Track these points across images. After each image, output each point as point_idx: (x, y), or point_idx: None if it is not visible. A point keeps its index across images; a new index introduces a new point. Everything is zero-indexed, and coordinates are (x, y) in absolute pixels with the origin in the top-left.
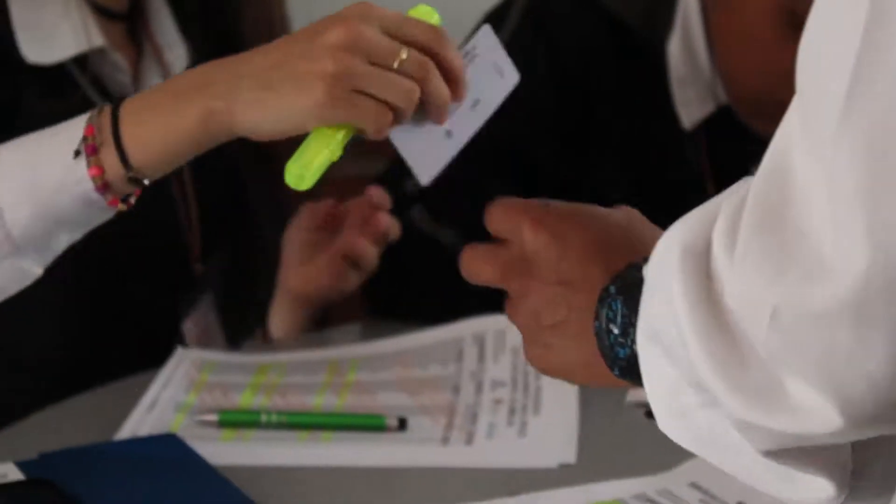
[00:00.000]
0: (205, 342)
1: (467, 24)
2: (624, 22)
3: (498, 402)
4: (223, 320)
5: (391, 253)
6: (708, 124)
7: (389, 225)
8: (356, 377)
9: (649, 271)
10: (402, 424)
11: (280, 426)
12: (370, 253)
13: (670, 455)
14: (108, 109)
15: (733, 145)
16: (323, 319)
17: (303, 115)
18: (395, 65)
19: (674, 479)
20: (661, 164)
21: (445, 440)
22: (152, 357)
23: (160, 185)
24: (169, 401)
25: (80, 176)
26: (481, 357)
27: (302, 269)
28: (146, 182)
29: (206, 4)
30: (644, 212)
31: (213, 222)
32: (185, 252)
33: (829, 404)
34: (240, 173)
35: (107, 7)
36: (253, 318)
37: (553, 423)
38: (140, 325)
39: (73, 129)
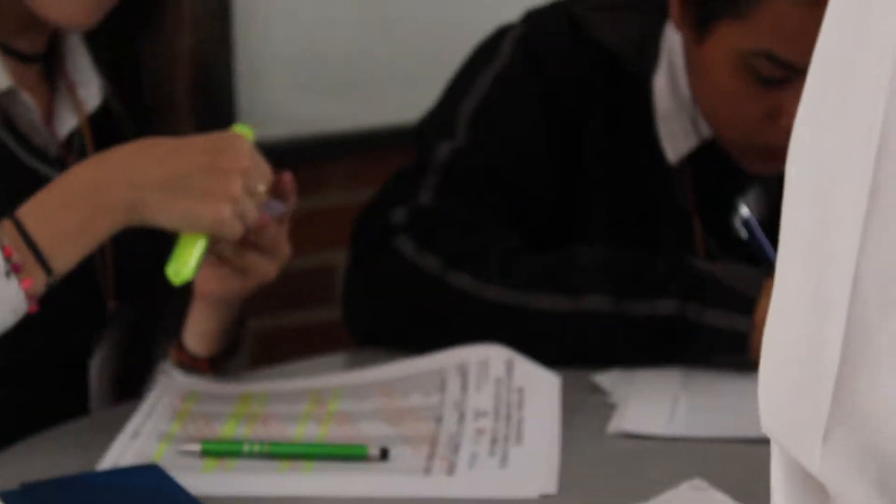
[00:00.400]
0: (106, 380)
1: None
2: (616, 55)
3: (480, 432)
4: (130, 358)
5: (374, 281)
6: (692, 158)
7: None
8: (338, 407)
9: None
10: (384, 454)
11: (262, 456)
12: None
13: (651, 485)
14: (9, 225)
15: (718, 179)
16: (241, 321)
17: (203, 224)
18: (261, 188)
19: None
20: (648, 198)
21: (427, 470)
22: (62, 393)
23: None
24: (152, 430)
25: (11, 293)
26: (464, 387)
27: (203, 269)
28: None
29: (119, 39)
30: (630, 245)
31: (128, 260)
32: (99, 290)
33: None
34: None
35: (21, 51)
36: (163, 353)
37: (534, 453)
38: (50, 362)
39: None
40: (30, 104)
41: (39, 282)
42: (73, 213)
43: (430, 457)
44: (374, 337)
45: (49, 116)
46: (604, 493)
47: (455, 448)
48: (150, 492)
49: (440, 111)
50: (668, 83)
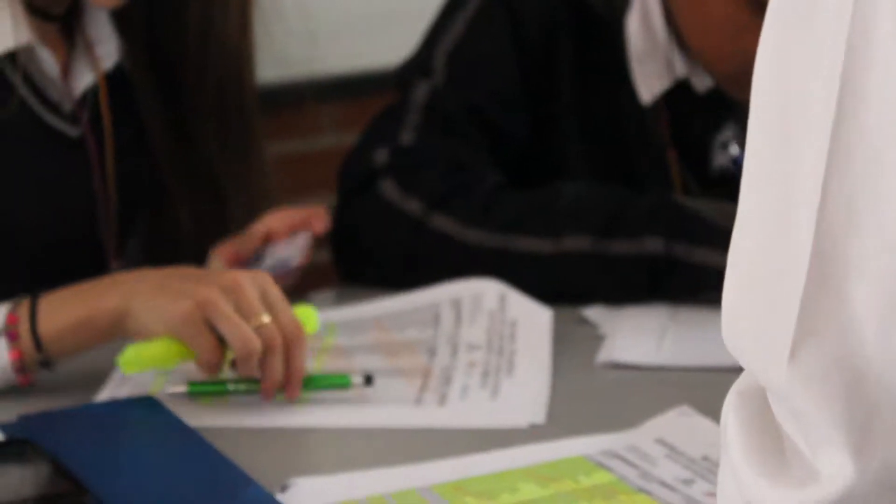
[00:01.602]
0: None
1: None
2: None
3: (472, 364)
4: None
5: (359, 224)
6: (666, 95)
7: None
8: (334, 341)
9: None
10: (369, 381)
11: (247, 393)
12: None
13: (638, 413)
14: (27, 303)
15: (691, 115)
16: None
17: (166, 322)
18: (253, 324)
19: (640, 436)
20: (623, 135)
21: (419, 401)
22: None
23: (82, 179)
24: None
25: (2, 351)
26: (458, 321)
27: None
28: (54, 364)
29: (145, 8)
30: (608, 182)
31: (131, 221)
32: (101, 248)
33: (847, 455)
34: (162, 174)
35: (44, 9)
36: None
37: (525, 384)
38: None
39: None
40: (48, 60)
41: (29, 358)
42: (74, 309)
43: (423, 388)
44: (361, 278)
45: (65, 72)
46: (592, 421)
47: (447, 380)
48: (147, 423)
49: (418, 52)
50: (642, 25)
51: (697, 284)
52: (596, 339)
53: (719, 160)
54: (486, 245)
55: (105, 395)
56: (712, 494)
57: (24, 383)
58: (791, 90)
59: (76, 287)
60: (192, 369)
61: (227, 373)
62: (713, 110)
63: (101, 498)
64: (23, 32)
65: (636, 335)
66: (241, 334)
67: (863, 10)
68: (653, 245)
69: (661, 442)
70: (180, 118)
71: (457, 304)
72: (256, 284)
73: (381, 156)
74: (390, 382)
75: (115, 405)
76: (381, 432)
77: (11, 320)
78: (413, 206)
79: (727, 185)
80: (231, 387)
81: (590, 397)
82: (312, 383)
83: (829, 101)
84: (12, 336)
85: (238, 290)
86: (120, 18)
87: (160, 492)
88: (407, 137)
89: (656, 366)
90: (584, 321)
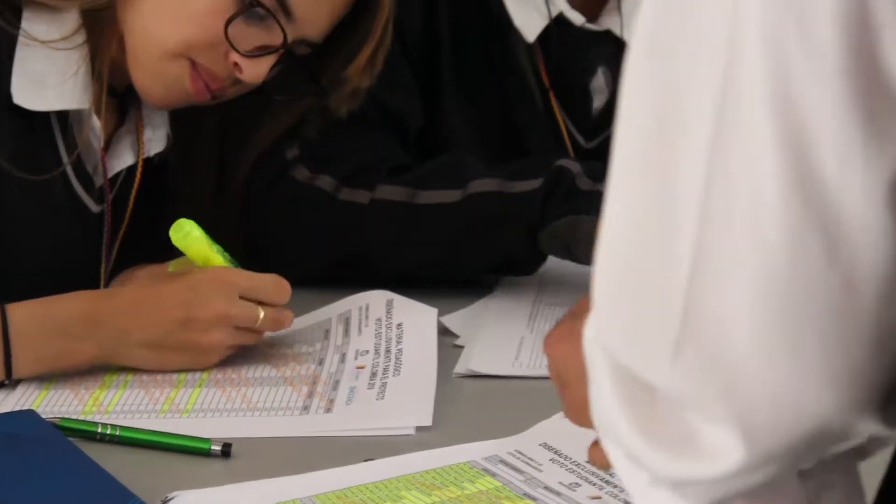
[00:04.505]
0: None
1: None
2: None
3: (360, 368)
4: None
5: (273, 208)
6: (543, 42)
7: None
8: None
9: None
10: (227, 452)
11: (113, 440)
12: None
13: (523, 418)
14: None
15: (567, 62)
16: None
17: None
18: (257, 325)
19: (525, 441)
20: (506, 94)
21: (306, 408)
22: None
23: (90, 245)
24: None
25: None
26: (346, 333)
27: None
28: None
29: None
30: (497, 141)
31: (133, 247)
32: (97, 271)
33: (736, 438)
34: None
35: (110, 83)
36: None
37: (412, 385)
38: None
39: None
40: (97, 130)
41: None
42: (55, 341)
43: (310, 395)
44: (279, 261)
45: (106, 145)
46: (478, 425)
47: (335, 385)
48: (27, 437)
49: None
50: None
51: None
52: (455, 348)
53: (597, 105)
54: (397, 203)
55: None
56: (598, 498)
57: None
58: (668, 90)
59: (57, 308)
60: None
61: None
62: (585, 55)
63: None
64: (83, 97)
65: (494, 345)
66: (252, 340)
67: (738, 11)
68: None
69: (546, 446)
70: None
71: (345, 318)
72: (235, 296)
73: (291, 151)
74: (277, 391)
75: None
76: (267, 442)
77: None
78: (324, 181)
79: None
80: (100, 430)
81: (476, 401)
82: (173, 443)
83: (708, 101)
84: None
85: (230, 318)
86: (177, 111)
87: None
88: (312, 132)
89: (513, 376)
90: (445, 329)
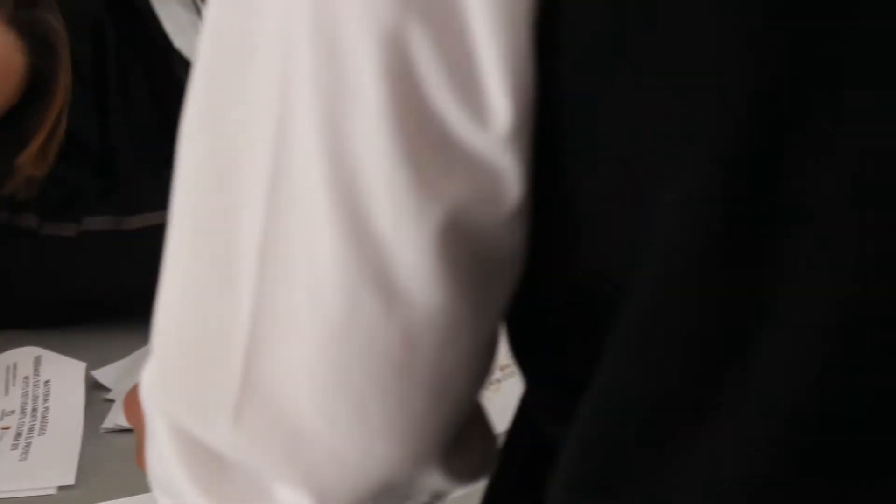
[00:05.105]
0: None
1: None
2: None
3: (6, 429)
4: None
5: None
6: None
7: None
8: None
9: None
10: None
11: None
12: None
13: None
14: None
15: None
16: None
17: None
18: None
19: None
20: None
21: None
22: None
23: None
24: None
25: None
26: None
27: None
28: None
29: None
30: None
31: None
32: None
33: (306, 497)
34: None
35: None
36: None
37: (56, 443)
38: None
39: None
40: None
41: None
42: None
43: None
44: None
45: None
46: (123, 481)
47: None
48: None
49: None
50: None
51: None
52: (107, 402)
53: None
54: (102, 231)
55: None
56: None
57: None
58: (226, 143)
59: None
60: None
61: None
62: None
63: None
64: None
65: None
66: None
67: (288, 63)
68: None
69: None
70: None
71: None
72: None
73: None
74: None
75: None
76: None
77: None
78: (26, 219)
79: None
80: None
81: (123, 457)
82: None
83: (264, 156)
84: None
85: None
86: None
87: None
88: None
89: None
90: (97, 384)
